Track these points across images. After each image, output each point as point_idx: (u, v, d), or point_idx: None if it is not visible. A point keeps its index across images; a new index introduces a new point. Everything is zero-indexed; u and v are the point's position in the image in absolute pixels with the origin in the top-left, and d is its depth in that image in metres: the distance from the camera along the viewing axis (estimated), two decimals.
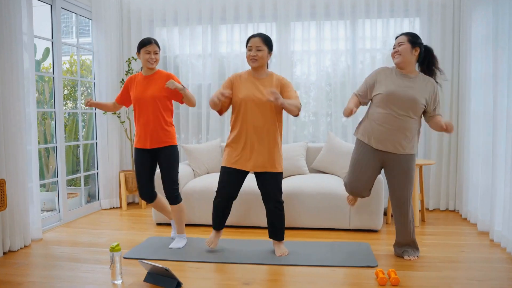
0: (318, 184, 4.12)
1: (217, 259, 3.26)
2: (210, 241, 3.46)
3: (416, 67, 3.29)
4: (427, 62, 3.25)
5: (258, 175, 3.33)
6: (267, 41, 3.25)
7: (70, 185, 5.32)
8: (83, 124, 5.40)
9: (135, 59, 5.16)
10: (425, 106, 3.16)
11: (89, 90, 5.84)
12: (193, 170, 4.66)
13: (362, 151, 3.25)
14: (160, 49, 3.48)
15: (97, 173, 5.12)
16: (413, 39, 3.15)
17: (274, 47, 5.12)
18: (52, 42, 4.39)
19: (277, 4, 5.05)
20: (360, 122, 3.35)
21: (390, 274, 2.82)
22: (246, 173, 3.34)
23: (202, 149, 4.77)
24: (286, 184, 4.17)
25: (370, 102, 3.30)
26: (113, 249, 2.73)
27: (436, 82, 3.24)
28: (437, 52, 4.77)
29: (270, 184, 3.27)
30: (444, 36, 4.83)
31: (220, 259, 3.26)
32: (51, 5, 4.37)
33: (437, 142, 4.90)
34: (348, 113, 3.14)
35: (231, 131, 3.35)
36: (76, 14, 4.76)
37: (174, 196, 3.50)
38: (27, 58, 3.73)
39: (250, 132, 3.23)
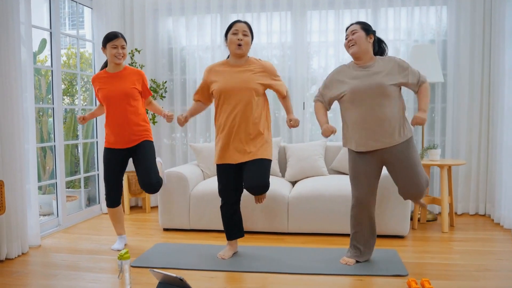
0: (338, 186, 4.06)
1: (232, 267, 3.21)
2: (222, 253, 3.45)
3: None
4: (380, 50, 3.29)
5: (243, 166, 3.30)
6: (251, 29, 3.32)
7: (68, 188, 5.27)
8: None
9: (139, 51, 5.12)
10: (399, 84, 3.10)
11: (87, 85, 5.80)
12: (202, 171, 4.61)
13: (355, 159, 3.21)
14: (127, 44, 3.52)
15: (98, 174, 5.08)
16: (365, 26, 3.18)
17: (288, 37, 5.11)
18: (51, 33, 4.35)
19: None
20: (342, 131, 3.32)
21: (424, 284, 2.75)
22: (240, 167, 3.33)
23: (212, 148, 4.72)
24: (304, 186, 4.12)
25: (340, 107, 3.25)
26: (122, 257, 2.68)
27: None
28: (466, 43, 4.73)
29: (255, 170, 3.21)
30: (474, 25, 4.75)
31: (235, 267, 3.21)
32: None
33: (466, 140, 4.83)
34: (329, 133, 3.13)
35: (215, 125, 3.37)
36: (76, 2, 4.71)
37: (158, 182, 3.53)
38: (25, 49, 3.69)
39: (232, 122, 3.22)
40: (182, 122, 3.34)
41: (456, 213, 4.92)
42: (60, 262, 3.40)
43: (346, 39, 3.20)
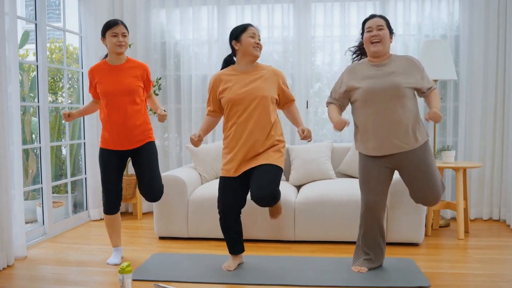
0: (348, 190, 3.98)
1: (238, 279, 3.11)
2: (226, 265, 3.34)
3: None
4: None
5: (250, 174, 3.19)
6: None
7: (53, 193, 5.11)
8: None
9: (129, 46, 4.97)
10: (413, 87, 3.04)
11: (72, 81, 5.64)
12: (200, 174, 4.49)
13: (366, 163, 3.15)
14: (128, 33, 3.39)
15: (85, 178, 4.93)
16: (389, 24, 3.13)
17: (290, 31, 5.02)
18: (36, 24, 4.21)
19: None
20: (354, 134, 3.26)
21: None
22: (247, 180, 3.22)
23: (211, 150, 4.60)
24: (311, 191, 4.03)
25: (352, 108, 3.20)
26: (123, 271, 2.57)
27: None
28: (480, 39, 4.69)
29: (264, 175, 3.07)
30: (488, 19, 4.71)
31: (241, 279, 3.11)
32: None
33: (479, 142, 4.79)
34: (343, 126, 3.03)
35: (224, 137, 3.26)
36: None
37: (161, 191, 3.48)
38: (9, 43, 3.54)
39: (244, 134, 3.11)
40: (196, 142, 3.15)
41: (469, 219, 4.87)
42: (49, 275, 3.26)
43: (368, 31, 3.07)
